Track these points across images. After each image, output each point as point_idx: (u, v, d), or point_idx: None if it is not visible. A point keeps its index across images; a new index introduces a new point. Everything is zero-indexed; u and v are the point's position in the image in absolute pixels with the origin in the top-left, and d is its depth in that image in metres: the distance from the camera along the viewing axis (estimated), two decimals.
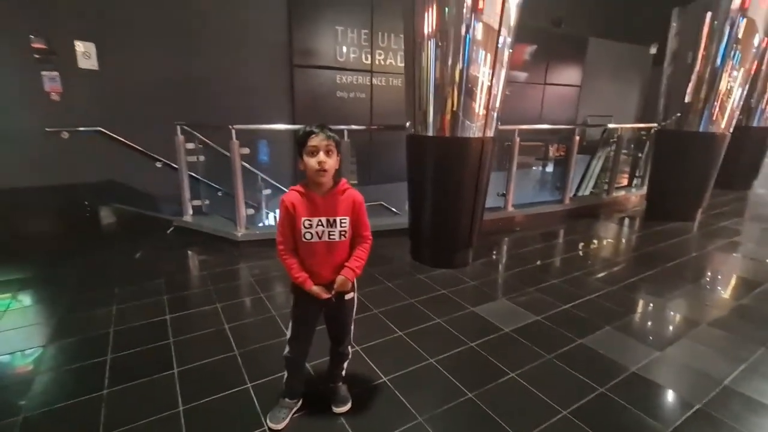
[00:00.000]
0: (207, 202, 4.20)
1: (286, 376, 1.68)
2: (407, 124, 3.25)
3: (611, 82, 12.03)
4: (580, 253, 3.86)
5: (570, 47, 11.02)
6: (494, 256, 3.70)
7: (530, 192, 7.23)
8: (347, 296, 1.59)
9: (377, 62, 8.14)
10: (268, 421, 1.63)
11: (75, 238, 4.08)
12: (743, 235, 4.38)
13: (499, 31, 2.80)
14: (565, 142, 5.58)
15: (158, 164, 5.05)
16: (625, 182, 6.54)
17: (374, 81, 8.21)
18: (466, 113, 2.91)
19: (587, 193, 7.25)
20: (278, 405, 1.67)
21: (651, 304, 2.79)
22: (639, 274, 3.29)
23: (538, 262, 3.54)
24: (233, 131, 3.41)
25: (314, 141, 1.39)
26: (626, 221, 4.99)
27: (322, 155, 1.39)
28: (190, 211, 4.01)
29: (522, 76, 10.34)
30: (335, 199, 1.46)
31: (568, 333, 2.36)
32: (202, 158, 4.07)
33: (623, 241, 4.36)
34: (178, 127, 3.77)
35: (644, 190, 5.56)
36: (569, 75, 11.34)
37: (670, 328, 2.52)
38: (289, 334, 1.63)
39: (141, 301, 2.65)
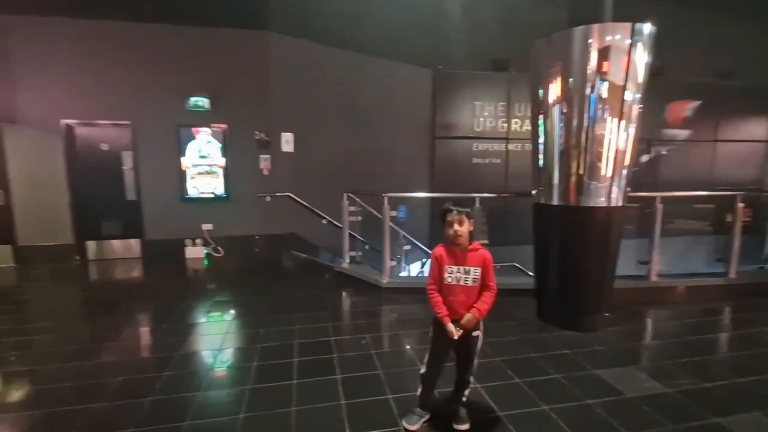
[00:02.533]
0: (360, 253, 5.15)
1: (420, 390, 2.18)
2: (533, 192, 3.63)
3: None
4: (741, 332, 3.42)
5: (748, 98, 9.62)
6: (629, 325, 3.59)
7: (699, 263, 6.39)
8: (474, 333, 2.05)
9: (513, 129, 8.64)
10: (404, 422, 2.13)
11: (273, 273, 5.47)
12: None
13: (625, 86, 3.03)
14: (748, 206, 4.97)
15: (324, 221, 6.36)
16: None
17: (510, 147, 8.68)
18: (592, 175, 3.15)
19: None
20: (412, 412, 2.17)
21: None
22: None
23: (683, 338, 3.31)
24: (386, 198, 4.31)
25: (450, 217, 1.99)
26: None
27: (456, 226, 1.97)
28: (348, 260, 4.99)
29: (683, 134, 9.41)
30: (470, 254, 2.00)
31: (702, 410, 2.27)
32: (360, 218, 5.09)
33: None
34: (345, 195, 4.88)
35: None
36: (750, 129, 9.79)
37: None
38: (427, 357, 2.15)
39: (313, 325, 3.53)
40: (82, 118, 5.81)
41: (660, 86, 8.26)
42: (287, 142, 6.39)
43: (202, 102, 5.92)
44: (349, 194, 4.88)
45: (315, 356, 2.93)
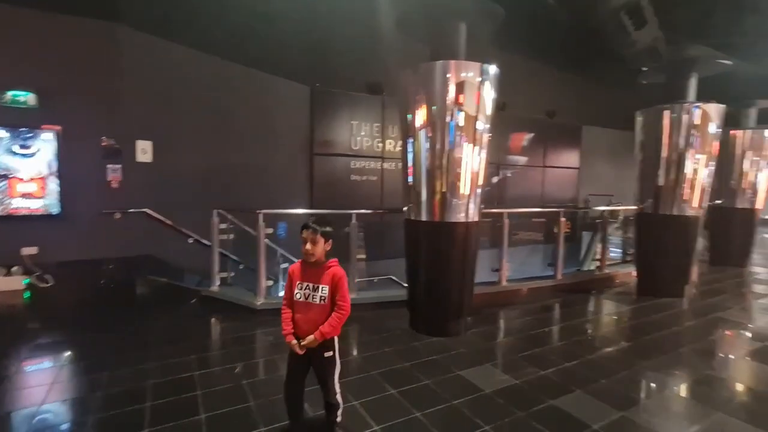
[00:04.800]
0: (233, 274, 4.77)
1: (288, 417, 2.08)
2: (404, 208, 3.87)
3: (609, 164, 12.82)
4: (566, 324, 4.17)
5: (566, 134, 12.04)
6: (486, 327, 4.05)
7: (535, 267, 7.60)
8: (326, 353, 2.02)
9: (387, 149, 9.16)
10: None
11: (123, 304, 4.64)
12: (729, 311, 4.62)
13: (477, 117, 3.48)
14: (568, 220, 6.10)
15: (190, 240, 5.73)
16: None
17: (385, 165, 9.17)
18: (453, 193, 3.50)
19: (592, 268, 7.60)
20: None
21: (623, 372, 3.07)
22: (620, 344, 3.58)
23: (526, 333, 3.87)
24: (260, 215, 4.09)
25: (304, 234, 2.00)
26: (617, 297, 5.29)
27: (308, 245, 1.97)
28: (218, 282, 4.56)
29: (522, 159, 11.24)
30: (321, 271, 2.00)
31: (541, 395, 2.67)
32: (232, 236, 4.72)
33: (611, 314, 4.65)
34: (215, 212, 4.48)
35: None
36: (567, 158, 12.22)
37: (640, 393, 2.79)
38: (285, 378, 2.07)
39: (173, 360, 3.10)
40: None
41: (504, 119, 9.80)
42: (144, 151, 5.60)
43: (24, 97, 4.82)
44: (220, 211, 4.49)
45: (173, 396, 2.57)
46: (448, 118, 3.48)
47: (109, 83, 5.33)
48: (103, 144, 5.30)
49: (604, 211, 6.20)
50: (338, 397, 2.09)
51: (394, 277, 8.31)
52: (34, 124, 4.96)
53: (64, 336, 3.64)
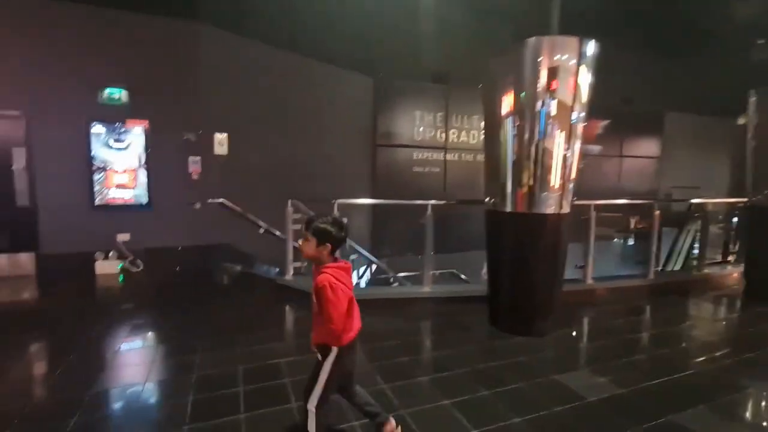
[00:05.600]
0: (305, 264, 4.82)
1: None
2: (486, 199, 3.65)
3: (693, 153, 11.57)
4: (667, 330, 3.74)
5: (645, 121, 11.00)
6: (574, 328, 3.74)
7: (611, 265, 7.02)
8: (319, 356, 1.81)
9: (450, 140, 8.89)
10: None
11: (205, 289, 4.89)
12: None
13: (573, 107, 3.18)
14: (646, 214, 5.53)
15: (261, 230, 5.90)
16: (719, 258, 6.14)
17: (448, 156, 8.91)
18: (542, 186, 3.24)
19: (677, 268, 6.86)
20: None
21: (748, 389, 2.66)
22: (736, 355, 3.13)
23: (622, 337, 3.52)
24: (335, 205, 4.07)
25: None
26: (720, 300, 4.69)
27: (300, 241, 1.82)
28: (291, 272, 4.63)
29: (595, 149, 10.44)
30: (316, 275, 1.76)
31: (655, 408, 2.37)
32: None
33: (718, 320, 4.12)
34: (289, 201, 4.54)
35: (741, 267, 5.21)
36: (646, 147, 11.18)
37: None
38: None
39: (258, 346, 3.15)
40: None
41: None
42: (220, 143, 5.84)
43: (119, 94, 5.18)
44: (294, 201, 4.55)
45: (263, 383, 2.59)
46: (538, 105, 3.20)
47: (190, 79, 5.60)
48: (186, 137, 5.59)
49: (705, 203, 5.52)
50: (311, 408, 1.80)
51: (455, 271, 8.10)
52: (126, 119, 5.33)
53: (154, 318, 3.86)
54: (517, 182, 3.33)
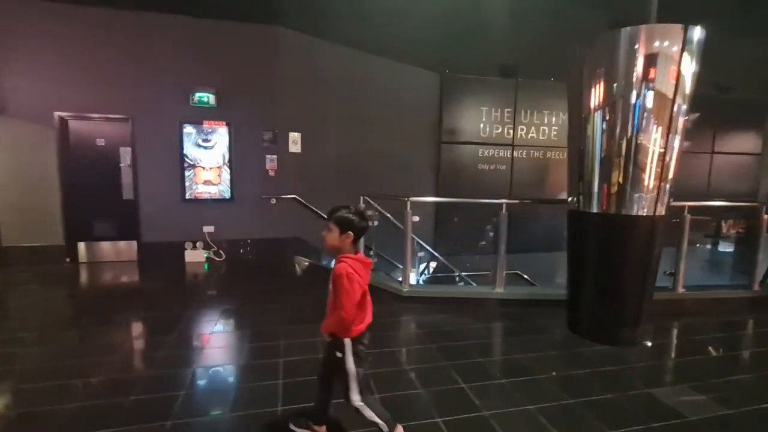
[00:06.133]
0: (375, 260, 4.93)
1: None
2: (569, 198, 3.49)
3: None
4: None
5: (744, 113, 9.80)
6: (665, 339, 3.47)
7: (701, 272, 6.40)
8: (337, 353, 1.86)
9: (519, 136, 8.57)
10: None
11: (279, 279, 5.20)
12: None
13: (674, 99, 2.93)
14: (748, 218, 4.95)
15: None
16: None
17: (515, 154, 8.61)
18: (635, 186, 3.03)
19: None
20: None
21: None
22: None
23: (722, 353, 3.20)
24: (408, 202, 4.11)
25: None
26: None
27: (324, 232, 1.84)
28: None
29: (683, 144, 9.50)
30: (336, 264, 1.80)
31: None
32: (376, 223, 4.85)
33: None
34: (361, 198, 4.66)
35: None
36: (744, 143, 9.98)
37: None
38: None
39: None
40: (76, 110, 5.44)
41: None
42: (294, 142, 6.14)
43: (207, 97, 5.63)
44: (366, 197, 4.66)
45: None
46: (633, 98, 2.99)
47: (268, 81, 5.94)
48: (264, 136, 5.94)
49: None
50: (358, 403, 1.85)
51: (521, 273, 7.82)
52: (212, 120, 5.78)
53: (238, 304, 4.16)
54: (605, 181, 3.14)
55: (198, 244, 5.86)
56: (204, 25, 5.63)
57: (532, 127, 8.55)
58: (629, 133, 3.01)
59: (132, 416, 2.18)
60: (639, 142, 3.00)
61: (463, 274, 6.34)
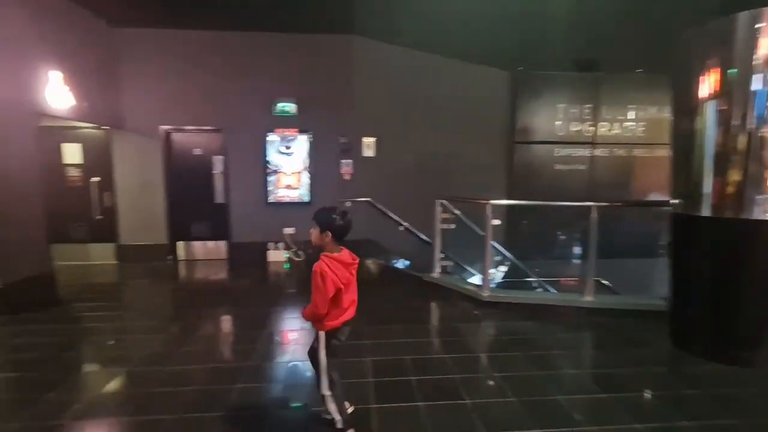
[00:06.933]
0: (451, 263, 4.89)
1: None
2: (673, 200, 3.19)
3: None
4: None
5: None
6: None
7: None
8: (313, 341, 2.05)
9: (600, 133, 8.01)
10: None
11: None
12: None
13: None
14: None
15: (401, 228, 6.16)
16: None
17: (596, 152, 8.06)
18: (757, 186, 2.68)
19: None
20: None
21: None
22: None
23: None
24: (488, 206, 4.03)
25: None
26: None
27: (311, 230, 1.99)
28: (438, 269, 4.75)
29: None
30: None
31: None
32: (453, 226, 4.82)
33: None
34: (437, 201, 4.65)
35: None
36: None
37: None
38: None
39: (419, 339, 3.31)
40: (177, 124, 6.08)
41: None
42: (369, 146, 6.30)
43: (288, 107, 5.99)
44: (443, 201, 4.64)
45: (434, 375, 2.70)
46: (754, 83, 2.65)
47: (343, 87, 6.16)
48: (341, 142, 6.18)
49: None
50: (325, 392, 2.00)
51: (603, 280, 7.27)
52: (293, 128, 6.13)
53: None
54: (719, 180, 2.82)
55: (279, 244, 6.24)
56: (285, 39, 6.00)
57: (615, 124, 7.94)
58: (750, 125, 2.68)
59: (240, 402, 2.38)
60: (762, 134, 2.66)
61: (541, 279, 6.05)
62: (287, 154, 6.18)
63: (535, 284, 5.95)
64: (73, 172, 5.90)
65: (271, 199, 6.24)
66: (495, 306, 4.01)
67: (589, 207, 3.87)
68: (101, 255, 6.04)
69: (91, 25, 5.34)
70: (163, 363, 2.89)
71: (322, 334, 1.98)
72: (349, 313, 2.02)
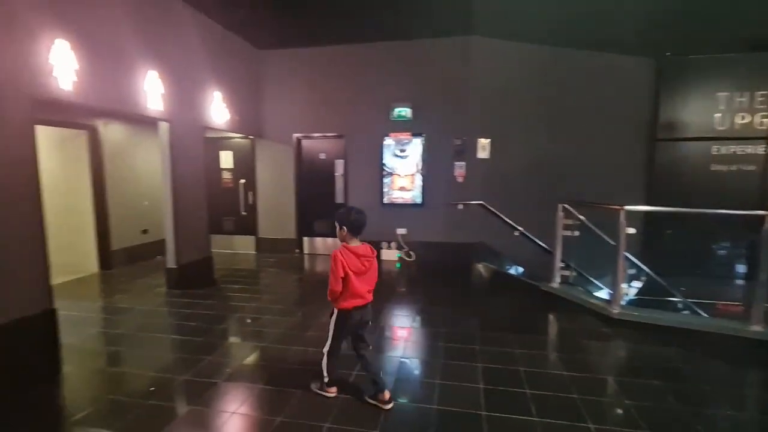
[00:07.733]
0: (574, 273, 4.48)
1: None
2: None
3: None
4: None
5: None
6: None
7: None
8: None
9: None
10: None
11: (466, 283, 5.30)
12: None
13: None
14: None
15: (516, 233, 5.84)
16: None
17: None
18: None
19: None
20: None
21: None
22: None
23: None
24: (622, 213, 3.58)
25: None
26: None
27: None
28: (558, 279, 4.39)
29: None
30: None
31: None
32: (576, 233, 4.40)
33: None
34: (560, 206, 4.30)
35: None
36: None
37: None
38: None
39: (534, 351, 3.11)
40: (306, 131, 6.78)
41: None
42: (483, 148, 6.14)
43: (405, 111, 6.20)
44: (565, 205, 4.28)
45: (551, 392, 2.52)
46: None
47: (459, 89, 6.12)
48: (455, 144, 6.15)
49: None
50: (324, 350, 2.46)
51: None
52: (409, 131, 6.32)
53: (431, 304, 4.38)
54: None
55: (392, 244, 6.49)
56: (402, 46, 6.22)
57: None
58: None
59: (356, 391, 2.55)
60: None
61: (689, 300, 5.14)
62: (402, 157, 6.39)
63: (680, 305, 5.05)
64: (226, 175, 7.06)
65: (386, 200, 6.52)
66: (625, 325, 3.54)
67: (762, 217, 3.15)
68: (244, 245, 7.09)
69: (242, 49, 6.31)
70: (290, 343, 3.26)
71: (336, 311, 2.38)
72: (368, 298, 2.37)
